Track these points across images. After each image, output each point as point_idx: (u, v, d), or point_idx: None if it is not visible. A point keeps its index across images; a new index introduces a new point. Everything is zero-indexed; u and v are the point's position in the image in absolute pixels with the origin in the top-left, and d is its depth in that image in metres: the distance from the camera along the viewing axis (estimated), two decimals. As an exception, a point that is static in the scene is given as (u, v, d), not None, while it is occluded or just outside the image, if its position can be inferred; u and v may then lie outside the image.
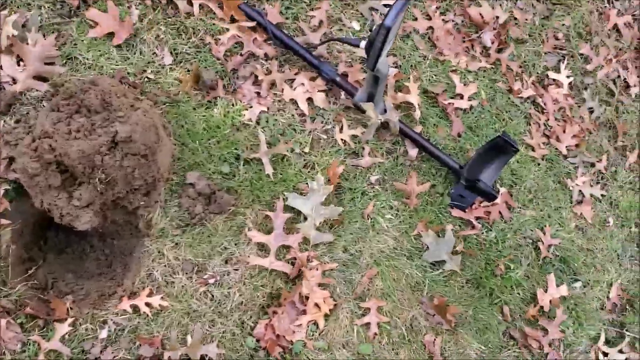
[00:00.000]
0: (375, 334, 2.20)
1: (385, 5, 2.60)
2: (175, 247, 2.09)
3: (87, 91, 1.92)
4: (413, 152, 2.48)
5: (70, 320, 1.89)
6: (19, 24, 2.05)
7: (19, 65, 2.05)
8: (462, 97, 2.66)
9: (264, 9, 2.41)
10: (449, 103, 2.62)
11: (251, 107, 2.31)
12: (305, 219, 2.23)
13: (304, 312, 2.13)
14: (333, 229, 2.28)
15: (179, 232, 2.10)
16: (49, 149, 1.82)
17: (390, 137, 2.47)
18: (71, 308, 1.94)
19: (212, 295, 2.08)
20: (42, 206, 1.87)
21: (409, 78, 2.57)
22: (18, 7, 2.09)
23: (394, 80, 2.54)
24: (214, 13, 2.34)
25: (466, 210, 2.48)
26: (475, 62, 2.75)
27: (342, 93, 2.46)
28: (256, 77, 2.35)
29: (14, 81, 2.04)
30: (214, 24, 2.32)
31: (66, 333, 1.87)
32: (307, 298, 2.14)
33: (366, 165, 2.41)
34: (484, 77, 2.76)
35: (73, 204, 1.87)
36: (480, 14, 2.78)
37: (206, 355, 2.00)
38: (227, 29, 2.31)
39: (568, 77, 2.93)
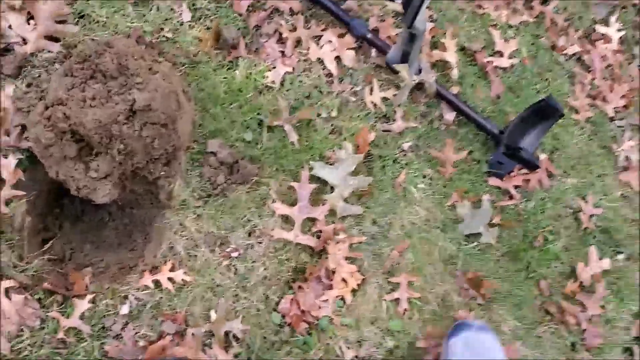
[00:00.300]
0: (405, 309, 2.11)
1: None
2: (197, 219, 1.99)
3: (102, 54, 1.77)
4: (449, 115, 2.32)
5: (90, 296, 1.82)
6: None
7: (28, 23, 1.92)
8: (502, 54, 2.46)
9: (289, -41, 2.22)
10: (488, 61, 2.42)
11: (274, 67, 2.16)
12: (332, 189, 2.11)
13: (331, 287, 2.04)
14: (361, 200, 2.15)
15: (200, 203, 2.00)
16: (63, 118, 1.71)
17: (426, 99, 2.31)
18: (91, 282, 1.87)
19: (236, 269, 2.00)
20: (57, 177, 1.78)
21: (444, 34, 2.38)
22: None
23: (429, 37, 2.35)
24: (236, -36, 2.16)
25: (504, 178, 2.33)
26: (517, 16, 2.53)
27: (373, 51, 2.29)
28: (280, 34, 2.19)
29: (24, 41, 1.91)
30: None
31: (86, 310, 1.81)
32: (333, 272, 2.04)
33: (398, 130, 2.25)
34: (525, 32, 2.55)
35: (90, 175, 1.77)
36: (525, -38, 2.55)
37: (230, 331, 1.93)
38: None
39: (619, 30, 2.70)
